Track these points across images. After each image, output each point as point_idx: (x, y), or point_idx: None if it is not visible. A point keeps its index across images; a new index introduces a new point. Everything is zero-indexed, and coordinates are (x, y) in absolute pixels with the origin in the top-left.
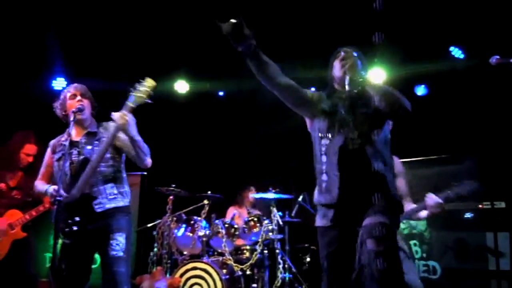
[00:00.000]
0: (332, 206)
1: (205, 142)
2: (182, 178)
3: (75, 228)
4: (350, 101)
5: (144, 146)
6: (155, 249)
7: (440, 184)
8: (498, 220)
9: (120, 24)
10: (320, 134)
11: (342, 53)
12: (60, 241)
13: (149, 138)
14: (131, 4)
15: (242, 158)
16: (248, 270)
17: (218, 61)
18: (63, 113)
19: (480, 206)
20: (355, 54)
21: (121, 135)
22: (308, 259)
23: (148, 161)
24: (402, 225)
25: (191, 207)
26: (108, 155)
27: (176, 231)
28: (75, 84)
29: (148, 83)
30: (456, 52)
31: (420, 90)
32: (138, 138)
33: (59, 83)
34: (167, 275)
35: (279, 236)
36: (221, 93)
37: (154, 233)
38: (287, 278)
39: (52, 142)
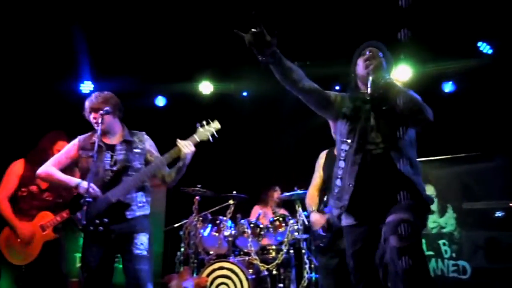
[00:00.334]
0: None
1: (230, 143)
2: (207, 179)
3: (101, 228)
4: (372, 104)
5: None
6: (182, 249)
7: (469, 182)
8: None
9: (146, 26)
10: (340, 138)
11: (368, 53)
12: (86, 240)
13: (174, 140)
14: (157, 6)
15: (267, 158)
16: (274, 270)
17: (241, 62)
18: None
19: (511, 204)
20: (380, 55)
21: (154, 152)
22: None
23: (173, 184)
24: (430, 225)
25: (216, 207)
26: (140, 166)
27: (202, 231)
28: (90, 98)
29: (215, 125)
30: (484, 47)
31: (448, 87)
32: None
33: (86, 86)
34: (194, 275)
35: (305, 236)
36: (245, 93)
37: (181, 233)
38: (313, 278)
39: (81, 138)
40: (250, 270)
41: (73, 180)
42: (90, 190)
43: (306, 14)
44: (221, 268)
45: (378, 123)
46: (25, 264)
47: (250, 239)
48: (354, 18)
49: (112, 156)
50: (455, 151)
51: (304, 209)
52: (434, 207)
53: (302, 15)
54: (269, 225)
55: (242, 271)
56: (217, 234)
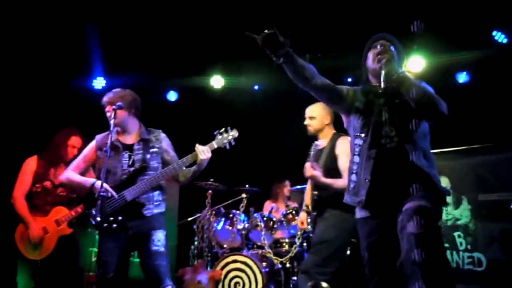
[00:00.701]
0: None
1: (241, 136)
2: (220, 172)
3: (114, 226)
4: (385, 98)
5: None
6: (196, 243)
7: (484, 173)
8: None
9: (157, 22)
10: (354, 133)
11: (379, 47)
12: (102, 236)
13: (186, 133)
14: (168, 1)
15: (279, 151)
16: (287, 263)
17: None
18: None
19: None
20: (392, 49)
21: (171, 151)
22: (348, 252)
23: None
24: (445, 216)
25: (229, 201)
26: (157, 165)
27: (215, 224)
28: (108, 92)
29: (233, 133)
30: (499, 37)
31: (462, 77)
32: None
33: (98, 82)
34: (208, 268)
35: None
36: (256, 87)
37: (194, 227)
38: None
39: (98, 138)
40: (264, 263)
41: (88, 181)
42: (103, 194)
43: (318, 6)
44: (235, 261)
45: (392, 116)
46: (41, 259)
47: (263, 233)
48: (366, 9)
49: (130, 156)
50: (469, 142)
51: None
52: (449, 199)
53: (314, 7)
54: (282, 219)
55: (255, 264)
56: (230, 228)
